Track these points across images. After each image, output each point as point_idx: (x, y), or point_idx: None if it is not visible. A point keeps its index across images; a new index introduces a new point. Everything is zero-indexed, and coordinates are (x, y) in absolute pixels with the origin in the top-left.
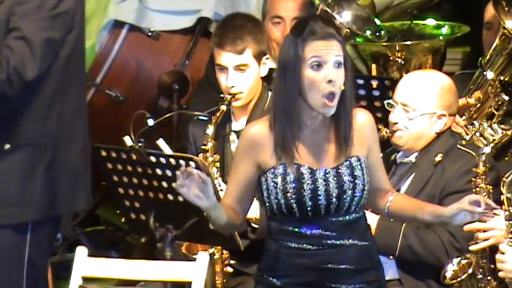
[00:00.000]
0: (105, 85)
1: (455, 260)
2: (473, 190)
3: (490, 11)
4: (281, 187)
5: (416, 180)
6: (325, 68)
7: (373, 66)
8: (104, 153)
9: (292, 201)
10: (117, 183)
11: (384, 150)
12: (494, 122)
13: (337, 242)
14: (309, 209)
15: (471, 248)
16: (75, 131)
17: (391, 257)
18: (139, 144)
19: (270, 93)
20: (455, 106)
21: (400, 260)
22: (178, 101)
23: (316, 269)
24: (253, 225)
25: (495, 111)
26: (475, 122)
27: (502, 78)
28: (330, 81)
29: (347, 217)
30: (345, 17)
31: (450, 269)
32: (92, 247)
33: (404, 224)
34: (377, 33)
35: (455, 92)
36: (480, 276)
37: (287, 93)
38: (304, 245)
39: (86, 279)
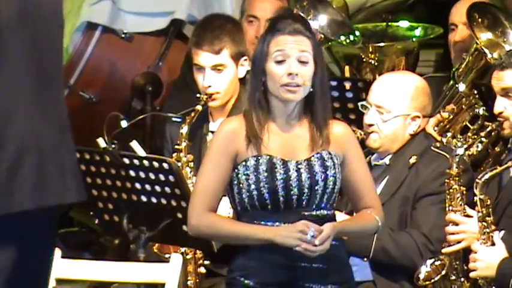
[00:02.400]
0: (78, 87)
1: (429, 261)
2: (447, 192)
3: (453, 12)
4: (254, 178)
5: (390, 182)
6: (288, 62)
7: (346, 68)
8: (77, 155)
9: (264, 191)
10: (91, 185)
11: None
12: (469, 136)
13: None
14: (281, 200)
15: (444, 250)
16: None
17: (365, 258)
18: (113, 146)
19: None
20: (429, 107)
21: (374, 261)
22: (152, 102)
23: (288, 267)
24: None
25: (469, 125)
26: (448, 133)
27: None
28: (290, 74)
29: (318, 212)
30: (320, 20)
31: (423, 271)
32: (65, 249)
33: None
34: (351, 38)
35: (429, 94)
36: (453, 277)
37: (255, 86)
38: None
39: (59, 281)
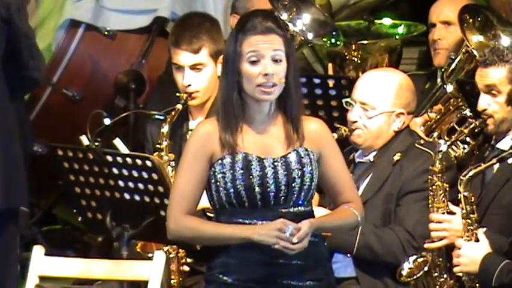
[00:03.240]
0: (61, 84)
1: (411, 258)
2: (430, 188)
3: (431, 11)
4: (230, 176)
5: (374, 179)
6: (262, 63)
7: (330, 65)
8: (60, 153)
9: (241, 188)
10: (74, 182)
11: (342, 149)
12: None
13: None
14: (258, 197)
15: (426, 245)
16: None
17: (348, 255)
18: (96, 144)
19: None
20: (414, 104)
21: (358, 258)
22: (135, 100)
23: (268, 264)
24: (208, 214)
25: (456, 126)
26: (434, 133)
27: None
28: (266, 74)
29: (296, 209)
30: (303, 19)
31: (406, 267)
32: (49, 246)
33: None
34: (333, 41)
35: (413, 90)
36: (436, 274)
37: (228, 87)
38: None
39: (43, 278)
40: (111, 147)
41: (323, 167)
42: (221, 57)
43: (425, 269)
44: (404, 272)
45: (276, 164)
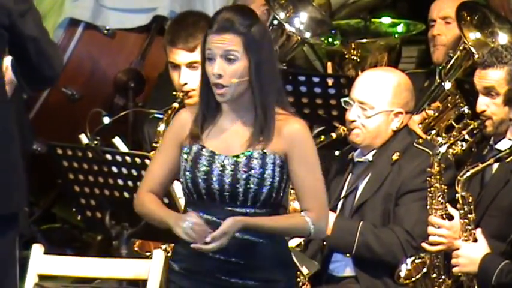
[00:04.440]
0: (60, 83)
1: (409, 260)
2: (428, 190)
3: (431, 8)
4: (183, 166)
5: (373, 179)
6: (215, 62)
7: (329, 64)
8: (59, 151)
9: (188, 180)
10: (73, 181)
11: (341, 149)
12: (453, 135)
13: None
14: (203, 191)
15: (423, 245)
16: None
17: (347, 254)
18: (95, 142)
19: None
20: (412, 103)
21: (357, 257)
22: (134, 99)
23: (209, 258)
24: None
25: (454, 124)
26: (433, 131)
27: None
28: (213, 74)
29: (244, 210)
30: (301, 18)
31: (404, 269)
32: (48, 245)
33: (361, 222)
34: (329, 40)
35: (412, 90)
36: (435, 275)
37: (204, 83)
38: None
39: (42, 277)
40: (110, 146)
41: (289, 171)
42: None
43: (424, 270)
44: (402, 274)
45: (225, 162)
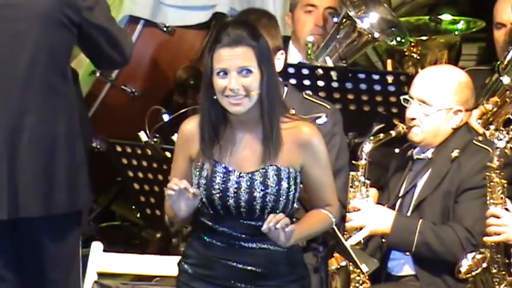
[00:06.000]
0: (120, 81)
1: (470, 255)
2: (488, 185)
3: (500, 11)
4: (196, 181)
5: (432, 176)
6: (229, 77)
7: (389, 61)
8: (119, 149)
9: (203, 197)
10: (132, 178)
11: (400, 146)
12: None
13: (245, 245)
14: (219, 207)
15: (484, 239)
16: None
17: (407, 253)
18: (155, 140)
19: (286, 88)
20: (472, 101)
21: (417, 256)
22: (194, 96)
23: (224, 265)
24: None
25: None
26: (491, 126)
27: None
28: (231, 89)
29: (260, 223)
30: (371, 18)
31: (465, 264)
32: (107, 243)
33: (420, 221)
34: (398, 39)
35: (472, 88)
36: (494, 270)
37: (206, 99)
38: (214, 240)
39: (101, 275)
40: (169, 143)
41: (306, 175)
42: (278, 52)
43: (484, 265)
44: (462, 269)
45: (240, 179)
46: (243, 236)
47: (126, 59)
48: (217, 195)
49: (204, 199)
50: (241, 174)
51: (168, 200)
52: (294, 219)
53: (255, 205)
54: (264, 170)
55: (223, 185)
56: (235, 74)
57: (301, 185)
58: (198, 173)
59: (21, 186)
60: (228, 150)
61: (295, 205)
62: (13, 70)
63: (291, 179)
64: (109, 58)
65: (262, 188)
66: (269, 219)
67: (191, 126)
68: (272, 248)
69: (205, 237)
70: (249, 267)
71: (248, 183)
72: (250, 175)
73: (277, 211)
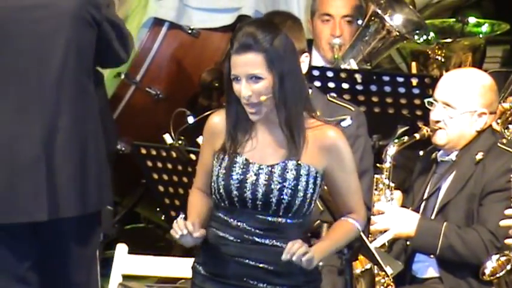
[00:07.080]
0: (145, 83)
1: (494, 257)
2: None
3: None
4: (216, 172)
5: (457, 179)
6: (241, 82)
7: (413, 64)
8: (143, 151)
9: (221, 187)
10: (157, 180)
11: (424, 149)
12: None
13: (259, 240)
14: (235, 199)
15: (506, 241)
16: None
17: (431, 255)
18: (179, 142)
19: (310, 90)
20: (496, 104)
21: (441, 258)
22: (218, 98)
23: (236, 262)
24: None
25: None
26: (510, 126)
27: None
28: (244, 96)
29: (275, 219)
30: (396, 20)
31: (489, 266)
32: (132, 245)
33: (445, 224)
34: (425, 38)
35: (496, 90)
36: None
37: (231, 100)
38: (228, 235)
39: (126, 277)
40: (194, 146)
41: (331, 180)
42: (303, 55)
43: (508, 267)
44: (487, 271)
45: (260, 171)
46: (257, 231)
47: (128, 56)
48: (235, 185)
49: (221, 190)
50: (261, 167)
51: (173, 235)
52: (319, 222)
53: (271, 198)
54: (283, 164)
55: (241, 176)
56: (245, 81)
57: (325, 187)
58: (218, 163)
59: (59, 186)
60: (251, 145)
61: (319, 206)
62: (46, 71)
63: (310, 178)
64: (116, 54)
65: (280, 181)
66: (287, 250)
67: (218, 119)
68: (284, 246)
69: (220, 233)
70: (261, 265)
71: (267, 176)
72: (270, 168)
73: (293, 209)
